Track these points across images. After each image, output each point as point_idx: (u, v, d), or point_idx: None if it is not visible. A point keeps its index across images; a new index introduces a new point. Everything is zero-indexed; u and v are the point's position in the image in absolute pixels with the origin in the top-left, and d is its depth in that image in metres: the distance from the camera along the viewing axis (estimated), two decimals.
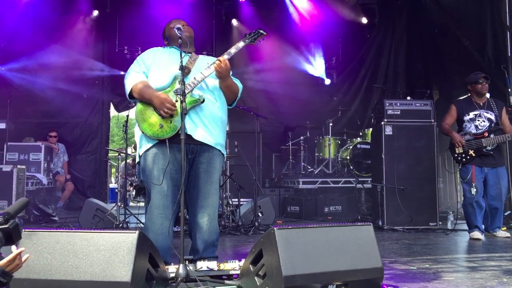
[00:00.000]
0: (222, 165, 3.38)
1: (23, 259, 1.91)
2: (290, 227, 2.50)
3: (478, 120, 5.19)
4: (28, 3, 8.42)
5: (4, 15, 8.34)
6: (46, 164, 7.85)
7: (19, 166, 6.02)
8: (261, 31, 3.38)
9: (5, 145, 7.50)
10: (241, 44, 3.33)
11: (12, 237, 1.95)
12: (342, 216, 7.50)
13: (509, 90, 7.16)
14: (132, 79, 3.21)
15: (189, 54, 3.33)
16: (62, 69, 8.86)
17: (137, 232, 2.32)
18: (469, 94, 5.39)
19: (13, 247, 1.92)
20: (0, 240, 1.90)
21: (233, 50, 3.27)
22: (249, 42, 3.35)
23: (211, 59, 3.46)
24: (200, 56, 3.43)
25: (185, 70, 3.13)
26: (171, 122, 3.05)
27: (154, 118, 3.09)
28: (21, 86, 8.63)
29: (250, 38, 3.36)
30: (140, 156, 3.22)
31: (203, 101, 3.10)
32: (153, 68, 3.25)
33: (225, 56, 3.20)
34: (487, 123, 5.17)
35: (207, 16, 9.66)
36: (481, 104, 5.27)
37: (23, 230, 2.33)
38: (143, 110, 3.13)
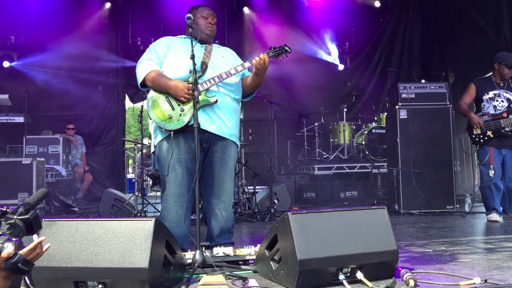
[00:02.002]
0: (237, 154, 3.40)
1: (44, 248, 1.97)
2: (304, 211, 2.52)
3: (497, 100, 5.11)
4: None
5: (18, 10, 8.45)
6: (64, 156, 7.98)
7: (38, 159, 6.13)
8: (286, 48, 3.33)
9: (24, 138, 7.64)
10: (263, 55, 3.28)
11: (33, 227, 2.01)
12: (358, 201, 7.50)
13: None
14: (145, 67, 3.20)
15: (204, 46, 3.32)
16: (77, 62, 8.98)
17: (153, 219, 2.36)
18: (491, 73, 5.30)
19: (35, 236, 1.98)
20: (21, 230, 1.96)
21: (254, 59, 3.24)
22: (272, 56, 3.30)
23: (226, 50, 3.46)
24: (214, 46, 3.41)
25: (202, 66, 3.15)
26: (180, 115, 3.07)
27: (165, 106, 3.11)
28: (37, 80, 8.78)
29: (275, 52, 3.31)
30: (155, 146, 3.26)
31: (216, 101, 3.12)
32: (168, 57, 3.23)
33: (247, 64, 3.20)
34: (506, 104, 5.09)
35: (219, 5, 9.64)
36: (501, 84, 5.19)
37: (44, 219, 2.40)
38: (155, 97, 3.14)
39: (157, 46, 3.30)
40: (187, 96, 3.03)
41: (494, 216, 4.97)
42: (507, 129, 5.00)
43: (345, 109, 8.62)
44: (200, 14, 3.34)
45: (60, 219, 2.43)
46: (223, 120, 3.18)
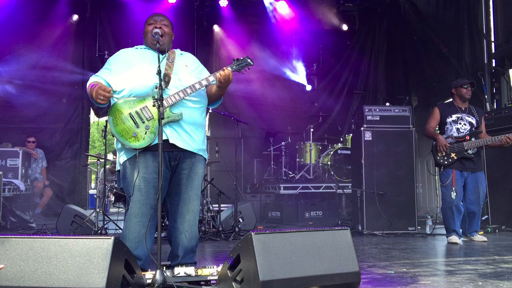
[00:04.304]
0: (204, 170, 3.35)
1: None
2: (267, 231, 2.50)
3: (460, 123, 5.26)
4: (6, 7, 8.30)
5: None
6: (24, 170, 7.72)
7: None
8: (248, 60, 3.34)
9: None
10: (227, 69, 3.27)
11: None
12: (323, 221, 7.53)
13: (485, 96, 7.31)
14: (89, 83, 3.13)
15: (166, 55, 3.24)
16: (41, 74, 8.77)
17: (112, 237, 2.29)
18: (451, 99, 5.48)
19: None
20: None
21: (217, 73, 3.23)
22: (235, 69, 3.30)
23: (188, 57, 3.40)
24: (177, 53, 3.34)
25: (165, 79, 3.07)
26: (146, 132, 3.00)
27: (129, 123, 3.01)
28: None
29: (238, 66, 3.30)
30: (120, 164, 3.17)
31: (181, 117, 3.07)
32: (128, 71, 3.13)
33: (211, 78, 3.17)
34: (468, 127, 5.25)
35: (189, 21, 9.68)
36: (463, 108, 5.35)
37: None
38: (117, 114, 3.03)
39: (113, 61, 3.24)
40: (101, 97, 2.94)
41: (454, 238, 5.07)
42: (469, 151, 5.13)
43: (312, 129, 8.72)
44: (146, 25, 3.37)
45: (13, 236, 2.32)
46: (189, 133, 3.12)
